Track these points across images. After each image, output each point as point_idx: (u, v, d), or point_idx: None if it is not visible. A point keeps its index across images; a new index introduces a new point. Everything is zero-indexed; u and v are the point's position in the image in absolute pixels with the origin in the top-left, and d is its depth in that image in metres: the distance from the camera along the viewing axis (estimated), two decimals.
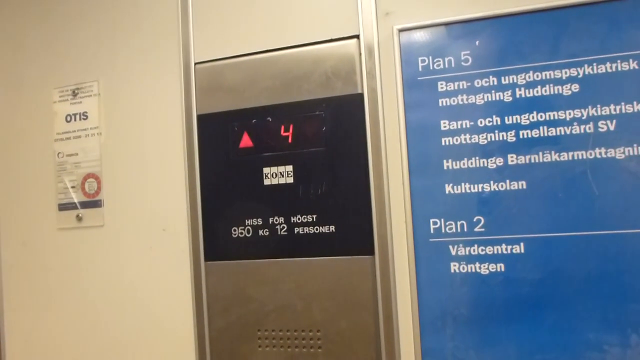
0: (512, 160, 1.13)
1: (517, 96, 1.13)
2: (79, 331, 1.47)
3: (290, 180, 1.28)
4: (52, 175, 1.51)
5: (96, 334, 1.46)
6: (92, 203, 1.46)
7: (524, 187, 1.12)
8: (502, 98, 1.14)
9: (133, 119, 1.44)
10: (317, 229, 1.26)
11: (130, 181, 1.43)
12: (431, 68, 1.19)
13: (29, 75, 1.55)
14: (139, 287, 1.41)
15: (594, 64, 1.09)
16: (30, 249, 1.52)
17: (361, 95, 1.25)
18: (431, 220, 1.18)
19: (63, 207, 1.49)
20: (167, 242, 1.39)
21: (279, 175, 1.29)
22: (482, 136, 1.15)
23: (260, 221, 1.30)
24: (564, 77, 1.11)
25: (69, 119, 1.49)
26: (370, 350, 1.22)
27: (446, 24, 1.19)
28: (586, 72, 1.09)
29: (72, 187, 1.48)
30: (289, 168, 1.28)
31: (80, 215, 1.47)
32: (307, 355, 1.26)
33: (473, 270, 1.15)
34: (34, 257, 1.52)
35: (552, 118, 1.11)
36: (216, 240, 1.34)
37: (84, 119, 1.48)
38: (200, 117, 1.36)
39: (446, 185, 1.17)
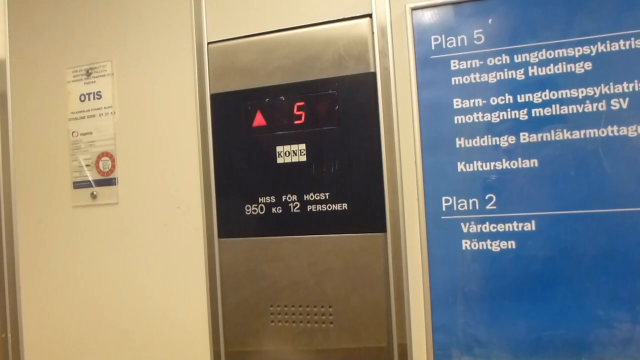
0: (524, 139, 1.14)
1: (530, 74, 1.14)
2: (94, 305, 1.50)
3: (304, 158, 1.29)
4: (66, 153, 1.52)
5: (110, 308, 1.48)
6: (107, 181, 1.47)
7: (536, 165, 1.13)
8: (514, 76, 1.15)
9: (146, 98, 1.45)
10: (329, 207, 1.27)
11: (144, 159, 1.45)
12: (444, 46, 1.19)
13: (43, 56, 1.56)
14: (153, 263, 1.43)
15: (607, 42, 1.09)
16: (45, 226, 1.54)
17: (374, 74, 1.25)
18: (443, 198, 1.19)
19: (78, 185, 1.50)
20: (181, 220, 1.40)
21: (292, 153, 1.30)
22: (495, 114, 1.16)
23: (273, 199, 1.32)
24: (576, 55, 1.11)
25: (83, 98, 1.51)
26: (381, 326, 1.24)
27: (459, 3, 1.19)
28: (599, 50, 1.09)
29: (87, 165, 1.49)
30: (302, 146, 1.29)
31: (94, 193, 1.49)
32: (319, 330, 1.28)
33: (484, 247, 1.16)
34: (49, 234, 1.54)
35: (564, 96, 1.11)
36: (229, 218, 1.36)
37: (97, 98, 1.49)
38: (213, 96, 1.38)
39: (458, 163, 1.18)
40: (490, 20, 1.16)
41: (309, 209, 1.29)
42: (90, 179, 1.49)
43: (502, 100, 1.15)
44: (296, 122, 1.30)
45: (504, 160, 1.15)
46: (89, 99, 1.50)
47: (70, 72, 1.52)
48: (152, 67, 1.44)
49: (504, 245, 1.15)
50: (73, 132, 1.52)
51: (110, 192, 1.47)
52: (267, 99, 1.32)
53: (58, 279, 1.53)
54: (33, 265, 1.56)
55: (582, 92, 1.10)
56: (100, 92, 1.49)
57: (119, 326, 1.47)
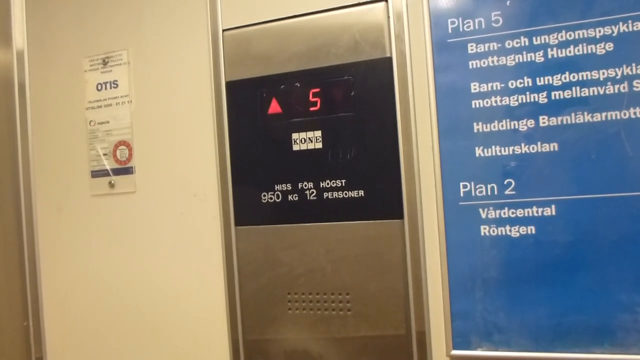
0: (544, 122, 1.12)
1: (549, 57, 1.11)
2: (112, 293, 1.51)
3: (319, 145, 1.28)
4: (84, 143, 1.53)
5: (128, 295, 1.49)
6: (124, 170, 1.48)
7: (556, 149, 1.11)
8: (533, 59, 1.12)
9: (162, 86, 1.45)
10: (346, 194, 1.26)
11: (161, 148, 1.45)
12: (461, 30, 1.17)
13: (59, 45, 1.57)
14: (170, 251, 1.44)
15: (629, 22, 1.06)
16: (64, 215, 1.56)
17: (390, 59, 1.24)
18: (461, 184, 1.17)
19: (95, 174, 1.51)
20: (198, 208, 1.41)
21: (307, 140, 1.29)
22: (513, 98, 1.14)
23: (289, 186, 1.31)
24: (597, 36, 1.08)
25: (99, 87, 1.52)
26: (399, 313, 1.23)
27: None
28: (621, 30, 1.06)
29: (104, 154, 1.50)
30: (318, 133, 1.28)
31: (112, 181, 1.49)
32: (337, 317, 1.27)
33: (503, 233, 1.14)
34: (68, 223, 1.55)
35: (585, 78, 1.09)
36: (246, 206, 1.36)
37: (114, 87, 1.50)
38: (228, 84, 1.37)
39: (476, 148, 1.16)
40: (508, 2, 1.14)
41: (325, 196, 1.28)
42: (108, 167, 1.50)
43: (520, 83, 1.13)
44: (312, 108, 1.29)
45: (523, 144, 1.13)
46: (106, 88, 1.51)
47: (87, 61, 1.53)
48: (168, 55, 1.44)
49: (523, 231, 1.13)
50: (90, 121, 1.52)
51: (127, 180, 1.48)
52: (283, 86, 1.32)
53: (77, 267, 1.55)
54: (53, 253, 1.58)
55: (603, 73, 1.08)
56: (116, 81, 1.50)
57: (137, 314, 1.49)
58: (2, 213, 1.58)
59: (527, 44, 1.13)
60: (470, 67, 1.17)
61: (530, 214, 1.13)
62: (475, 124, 1.16)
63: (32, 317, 1.57)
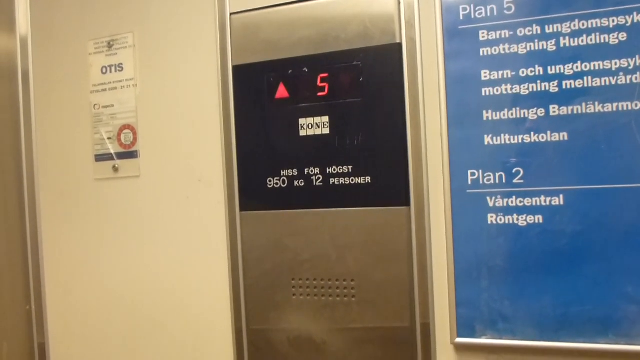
0: (554, 111, 1.11)
1: (561, 45, 1.10)
2: (115, 277, 1.51)
3: (327, 131, 1.27)
4: (88, 126, 1.52)
5: (131, 280, 1.49)
6: (128, 154, 1.47)
7: (566, 138, 1.10)
8: (545, 47, 1.11)
9: (168, 70, 1.44)
10: (352, 180, 1.26)
11: (166, 132, 1.44)
12: (472, 17, 1.16)
13: (64, 28, 1.55)
14: (174, 236, 1.43)
15: None
16: (68, 200, 1.55)
17: (399, 45, 1.23)
18: (469, 172, 1.17)
19: (100, 158, 1.50)
20: (203, 193, 1.40)
21: (315, 126, 1.28)
22: (524, 86, 1.13)
23: (295, 172, 1.30)
24: (611, 26, 1.07)
25: (104, 70, 1.50)
26: (404, 300, 1.23)
27: None
28: (635, 20, 1.05)
29: (109, 138, 1.49)
30: (325, 119, 1.28)
31: (116, 166, 1.48)
32: (341, 304, 1.27)
33: (511, 221, 1.14)
34: (72, 207, 1.54)
35: (597, 68, 1.08)
36: (251, 191, 1.35)
37: (119, 70, 1.48)
38: (235, 68, 1.36)
39: (485, 136, 1.15)
40: None
41: (331, 182, 1.28)
42: (112, 151, 1.49)
43: (531, 72, 1.12)
44: (319, 94, 1.28)
45: (532, 133, 1.12)
46: (111, 72, 1.49)
47: (92, 44, 1.51)
48: (174, 38, 1.43)
49: (530, 220, 1.13)
50: (95, 105, 1.51)
51: (132, 165, 1.47)
52: (290, 71, 1.30)
53: (80, 250, 1.54)
54: (56, 237, 1.57)
55: (615, 63, 1.07)
56: (121, 64, 1.48)
57: (140, 300, 1.48)
58: (5, 197, 1.57)
59: (539, 32, 1.12)
60: (481, 54, 1.16)
61: (538, 203, 1.12)
62: (484, 111, 1.15)
63: (34, 301, 1.57)
